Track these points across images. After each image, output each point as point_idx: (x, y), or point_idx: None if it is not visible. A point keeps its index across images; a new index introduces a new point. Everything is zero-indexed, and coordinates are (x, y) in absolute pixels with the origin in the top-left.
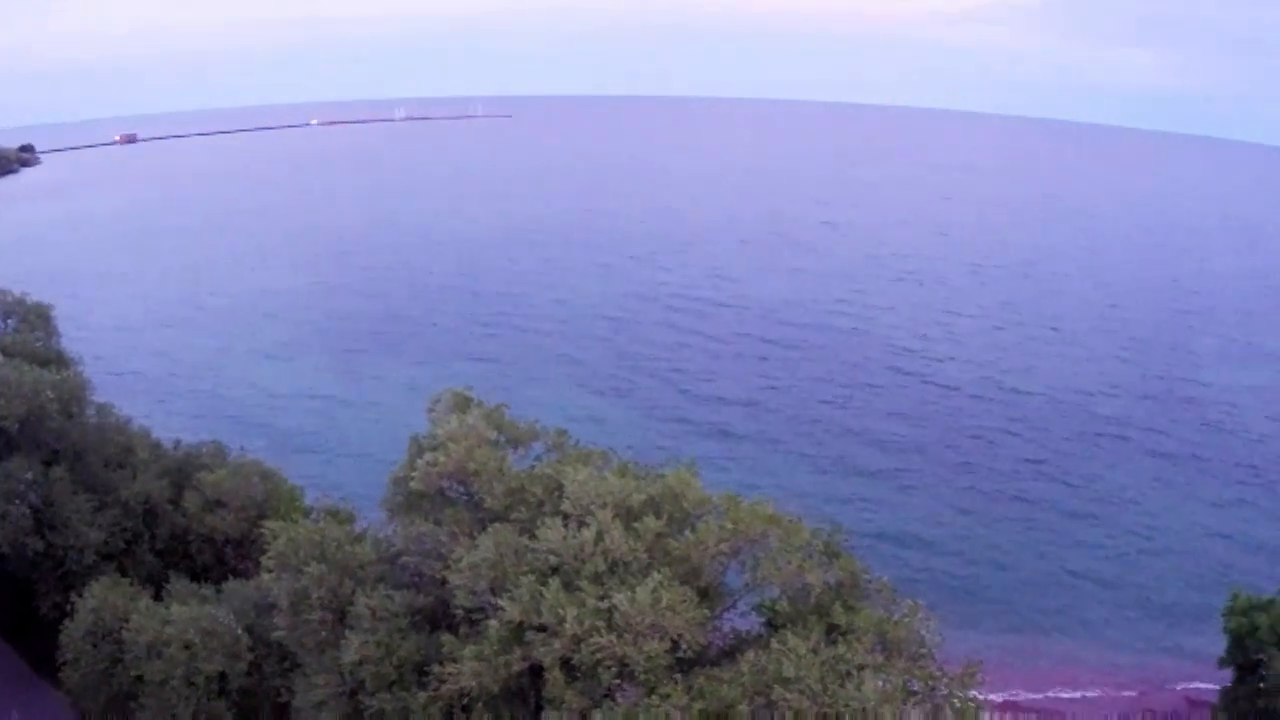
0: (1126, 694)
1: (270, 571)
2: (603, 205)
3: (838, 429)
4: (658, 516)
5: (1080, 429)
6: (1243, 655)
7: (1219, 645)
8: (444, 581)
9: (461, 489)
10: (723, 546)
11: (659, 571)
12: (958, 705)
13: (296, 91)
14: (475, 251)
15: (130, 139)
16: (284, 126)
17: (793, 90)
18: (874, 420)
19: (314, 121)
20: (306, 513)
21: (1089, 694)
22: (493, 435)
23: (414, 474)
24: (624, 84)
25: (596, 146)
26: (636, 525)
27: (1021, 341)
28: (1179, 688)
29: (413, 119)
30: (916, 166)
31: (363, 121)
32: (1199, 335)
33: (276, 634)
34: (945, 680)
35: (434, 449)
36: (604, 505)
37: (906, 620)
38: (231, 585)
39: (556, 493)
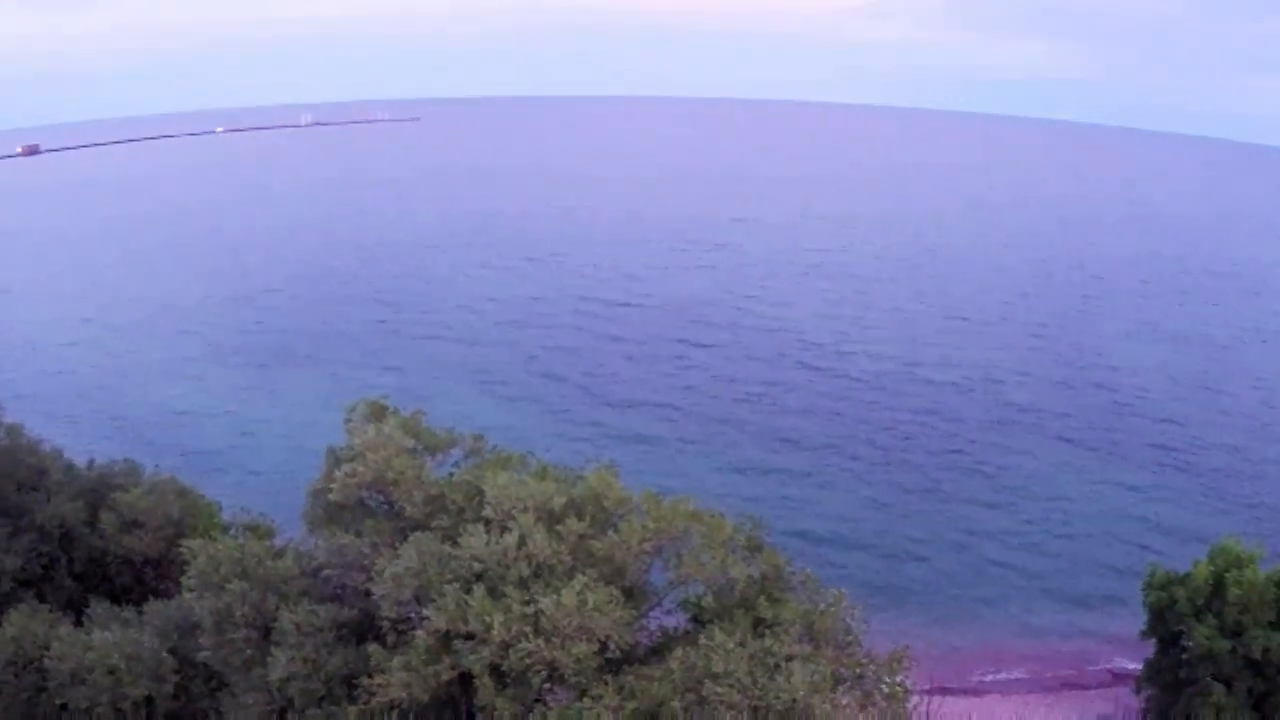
0: (1051, 673)
1: (192, 591)
2: (510, 207)
3: (752, 427)
4: (580, 518)
5: (993, 417)
6: (1163, 628)
7: (1139, 622)
8: (368, 593)
9: (381, 499)
10: (646, 545)
11: (583, 573)
12: (887, 690)
13: (202, 99)
14: (381, 258)
15: (33, 150)
16: (190, 134)
17: (697, 88)
18: (788, 417)
19: (219, 129)
20: (225, 529)
21: (1014, 675)
22: (410, 443)
23: (332, 485)
24: (530, 85)
25: (503, 148)
26: (559, 528)
27: (932, 333)
28: (1103, 664)
29: (319, 124)
30: (820, 161)
31: (268, 128)
32: (1104, 318)
33: (201, 654)
34: (873, 667)
35: (351, 459)
36: (525, 509)
37: (832, 610)
38: (153, 607)
39: (477, 499)
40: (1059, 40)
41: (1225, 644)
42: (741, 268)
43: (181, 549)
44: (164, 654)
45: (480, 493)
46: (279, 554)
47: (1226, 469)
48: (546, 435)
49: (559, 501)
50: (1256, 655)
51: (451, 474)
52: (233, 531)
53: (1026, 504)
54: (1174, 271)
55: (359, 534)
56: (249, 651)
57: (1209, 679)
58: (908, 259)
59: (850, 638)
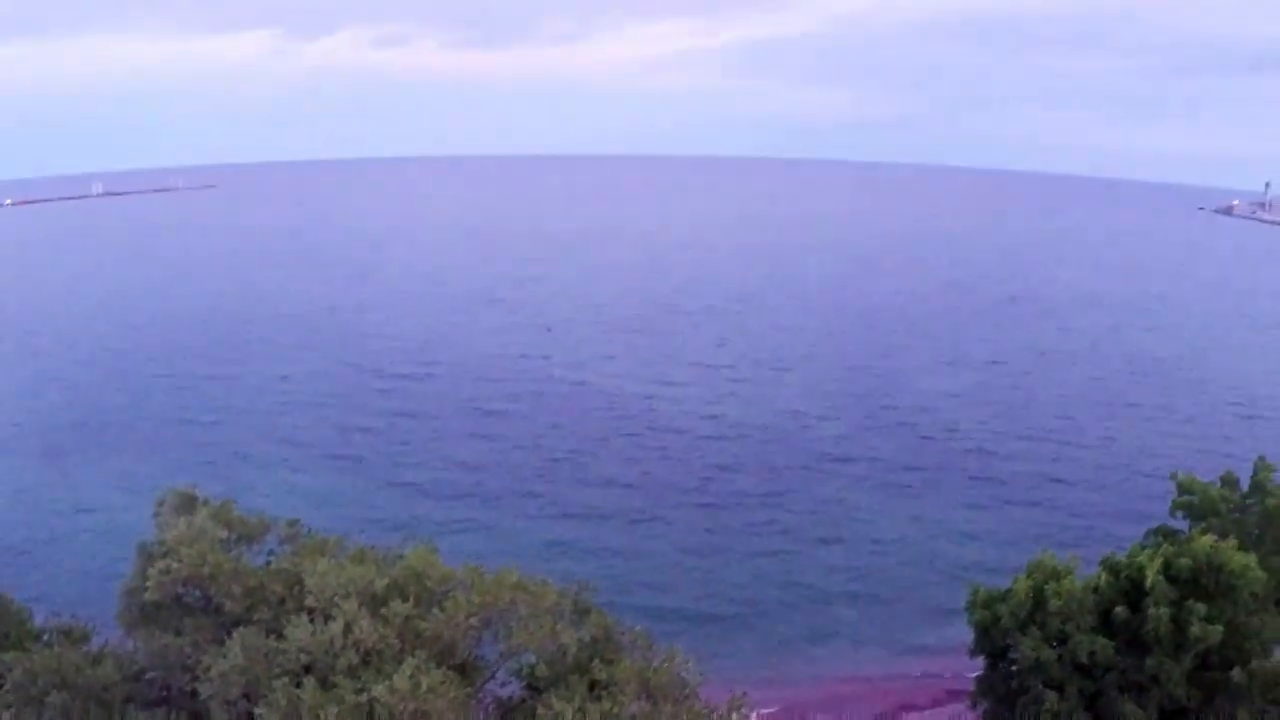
0: (889, 698)
1: (10, 707)
2: (304, 275)
3: (569, 486)
4: (404, 599)
5: (805, 463)
6: (990, 644)
7: (968, 641)
8: (195, 694)
9: (199, 594)
10: (473, 620)
11: (413, 656)
12: None
13: None
14: (178, 333)
15: None
16: None
17: (502, 146)
18: (604, 473)
19: (8, 201)
20: (37, 636)
21: (851, 704)
22: (224, 534)
23: (147, 584)
24: (327, 148)
25: (295, 215)
26: (384, 611)
27: (737, 381)
28: (937, 684)
29: (112, 194)
30: (620, 214)
31: (59, 199)
32: (909, 352)
33: None
34: (715, 715)
35: (164, 555)
36: (348, 595)
37: (666, 665)
38: None
39: (298, 588)
40: (855, 86)
41: (1052, 652)
42: (538, 328)
43: None
44: None
45: (300, 581)
46: (98, 660)
47: (1036, 489)
48: (354, 520)
49: (381, 584)
50: (1083, 659)
51: (269, 562)
52: (46, 638)
53: (847, 543)
54: (973, 300)
55: (179, 633)
56: None
57: (1040, 687)
58: (709, 308)
59: (687, 690)
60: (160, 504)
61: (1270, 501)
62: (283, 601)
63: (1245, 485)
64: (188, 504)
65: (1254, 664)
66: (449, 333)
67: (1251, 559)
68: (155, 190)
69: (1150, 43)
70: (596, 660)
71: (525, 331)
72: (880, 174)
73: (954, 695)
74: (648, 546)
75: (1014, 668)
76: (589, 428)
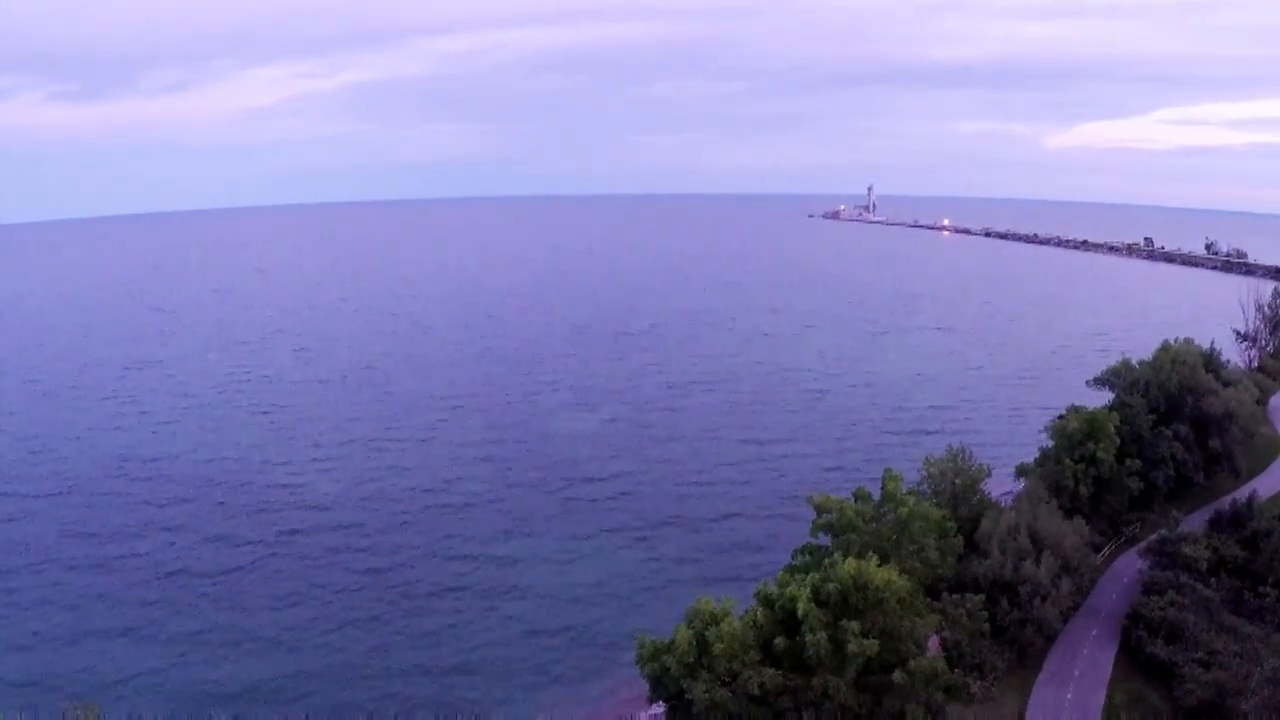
0: None
1: None
2: None
3: (223, 598)
4: None
5: (463, 525)
6: (665, 690)
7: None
8: None
9: None
10: None
11: None
12: None
13: None
14: None
15: None
16: None
17: (111, 205)
18: (254, 576)
19: None
20: None
21: None
22: None
23: None
24: None
25: None
26: None
27: (385, 450)
28: None
29: None
30: (230, 277)
31: None
32: (541, 401)
33: None
34: None
35: None
36: None
37: None
38: None
39: None
40: (475, 123)
41: (724, 691)
42: (151, 419)
43: None
44: None
45: None
46: None
47: (687, 525)
48: None
49: None
50: (755, 691)
51: None
52: None
53: (517, 609)
54: (599, 340)
55: None
56: None
57: None
58: (330, 379)
59: None
60: None
61: (902, 510)
62: None
63: (877, 496)
64: None
65: (911, 663)
66: (49, 435)
67: (892, 570)
68: None
69: (750, 67)
70: None
71: (145, 427)
72: (509, 209)
73: None
74: (310, 663)
75: (693, 709)
76: (226, 523)
